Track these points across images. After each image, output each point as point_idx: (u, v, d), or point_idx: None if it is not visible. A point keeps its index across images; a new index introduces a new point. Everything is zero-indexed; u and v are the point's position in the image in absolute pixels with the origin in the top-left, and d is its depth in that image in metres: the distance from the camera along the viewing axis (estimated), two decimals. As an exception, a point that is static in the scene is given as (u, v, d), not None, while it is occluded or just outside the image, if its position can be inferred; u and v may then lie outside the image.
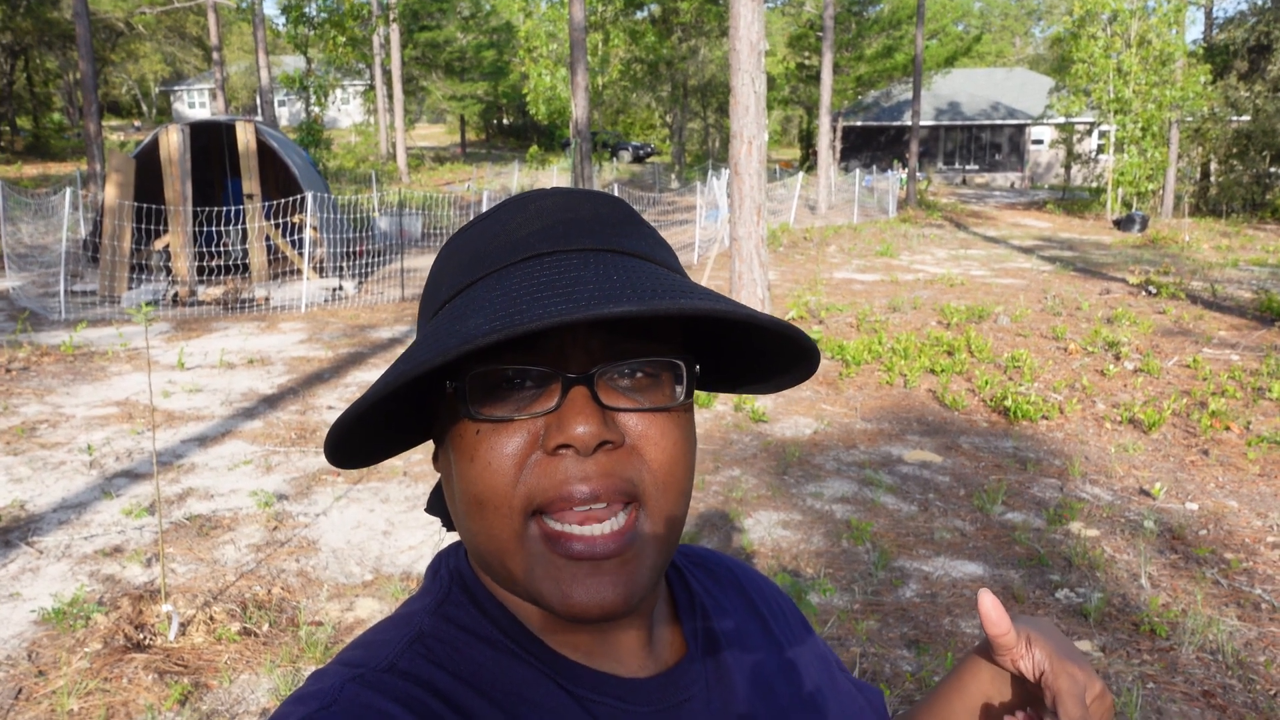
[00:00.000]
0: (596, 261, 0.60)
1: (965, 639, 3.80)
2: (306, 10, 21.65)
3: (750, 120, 8.43)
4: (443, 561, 0.72)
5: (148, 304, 10.72)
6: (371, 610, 4.01)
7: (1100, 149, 31.17)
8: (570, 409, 0.59)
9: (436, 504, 0.77)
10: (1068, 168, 34.24)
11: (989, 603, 0.73)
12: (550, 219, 0.64)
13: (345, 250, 13.57)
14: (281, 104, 45.86)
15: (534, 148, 31.49)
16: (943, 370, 8.11)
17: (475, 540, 0.64)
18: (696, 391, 0.70)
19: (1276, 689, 3.47)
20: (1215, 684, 3.50)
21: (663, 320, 0.64)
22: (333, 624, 3.85)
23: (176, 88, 54.52)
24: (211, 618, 3.83)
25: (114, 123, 50.53)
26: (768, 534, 4.85)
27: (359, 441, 0.66)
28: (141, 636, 3.70)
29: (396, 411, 0.66)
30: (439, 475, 0.71)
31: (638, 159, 44.62)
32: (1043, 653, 0.72)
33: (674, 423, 0.63)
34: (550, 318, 0.52)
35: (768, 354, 0.70)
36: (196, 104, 54.06)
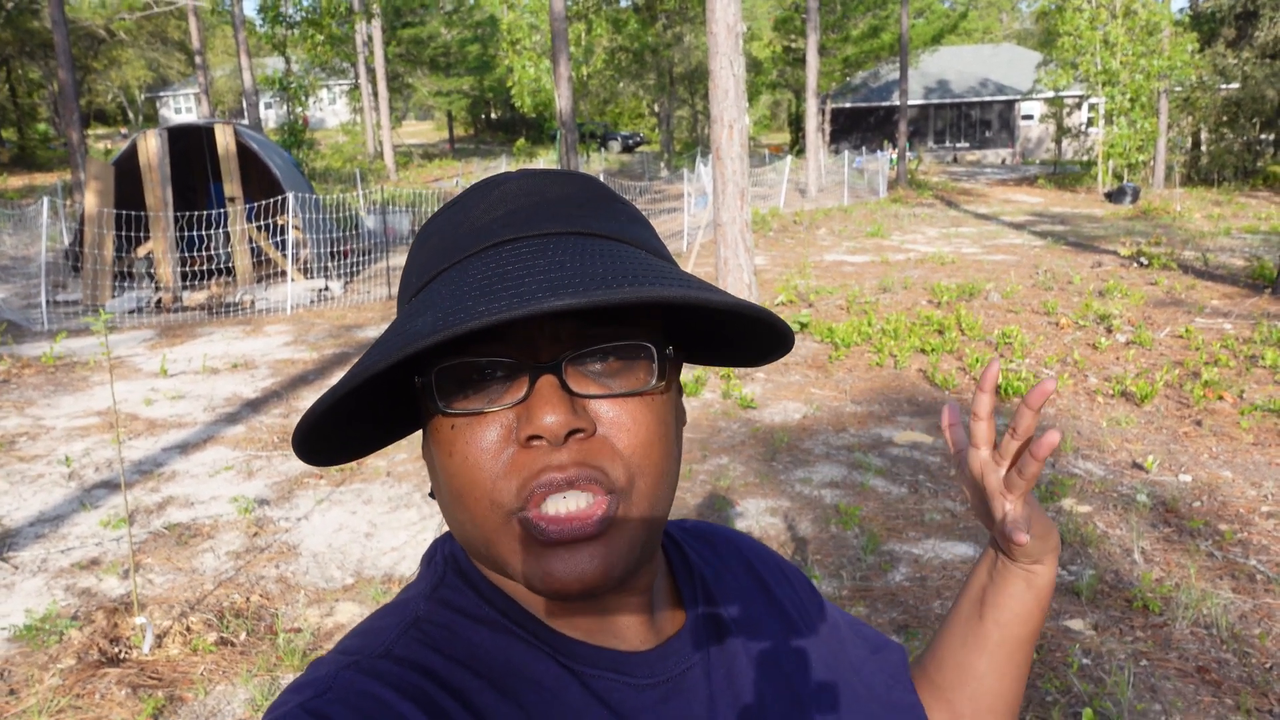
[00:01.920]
0: (556, 247, 0.59)
1: (955, 622, 3.73)
2: (283, 10, 21.45)
3: (730, 104, 8.33)
4: (438, 548, 0.72)
5: (130, 311, 10.66)
6: (352, 615, 3.94)
7: (1090, 122, 31.03)
8: (538, 399, 0.58)
9: None
10: (1058, 142, 34.08)
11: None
12: (514, 204, 0.63)
13: (331, 250, 13.47)
14: (268, 106, 45.57)
15: (521, 140, 31.33)
16: (933, 349, 8.03)
17: (461, 529, 0.64)
18: (683, 377, 0.67)
19: (1272, 662, 3.40)
20: (1210, 659, 3.44)
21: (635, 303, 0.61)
22: (311, 630, 3.78)
23: (162, 93, 54.22)
24: (188, 628, 3.77)
25: (101, 131, 50.27)
26: (755, 522, 4.78)
27: (333, 438, 0.65)
28: (116, 650, 3.63)
29: (369, 406, 0.66)
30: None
31: (627, 149, 44.46)
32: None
33: (648, 407, 0.62)
34: (491, 315, 0.51)
35: (742, 334, 0.70)
36: (183, 109, 53.78)
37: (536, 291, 0.53)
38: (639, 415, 0.61)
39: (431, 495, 0.77)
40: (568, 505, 0.59)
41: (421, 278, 0.64)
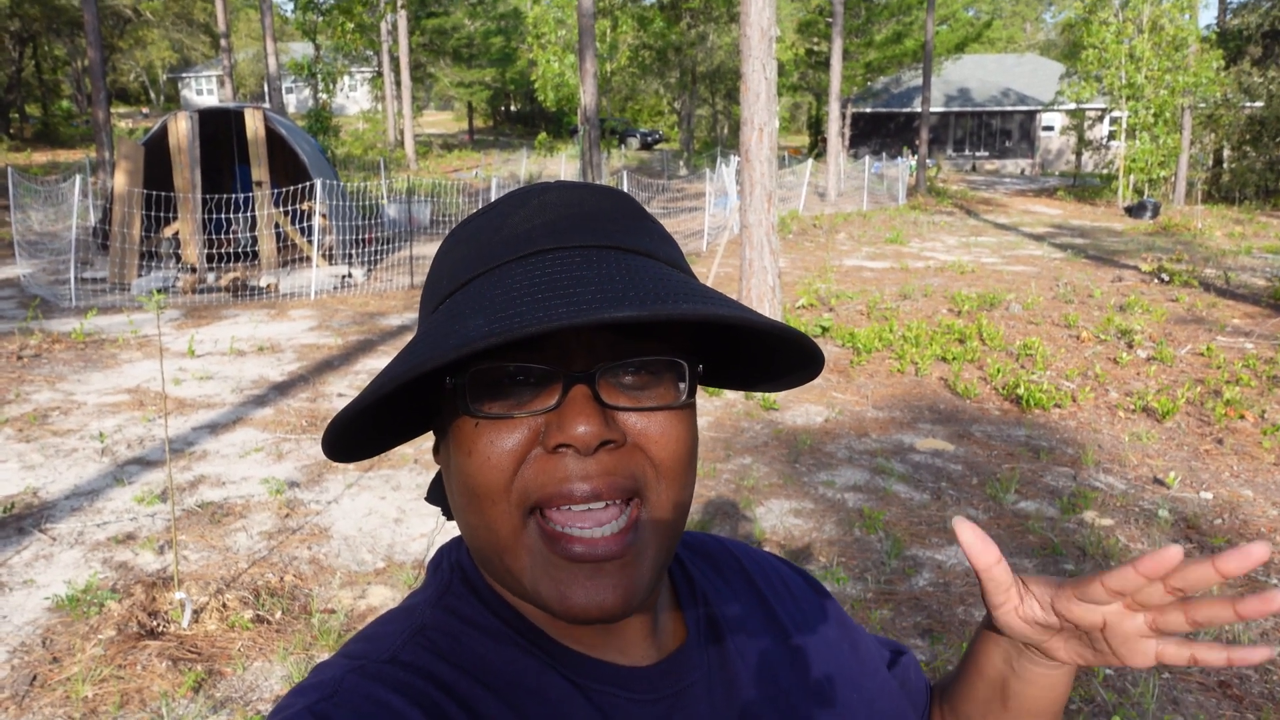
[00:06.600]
0: (599, 260, 0.59)
1: (979, 628, 3.78)
2: (315, -3, 21.59)
3: (761, 107, 8.37)
4: (444, 555, 0.73)
5: (159, 291, 10.75)
6: (384, 598, 4.01)
7: (1112, 135, 30.94)
8: (571, 408, 0.58)
9: (437, 493, 0.77)
10: (1079, 154, 34.03)
11: (969, 533, 0.67)
12: (552, 214, 0.63)
13: (354, 238, 13.56)
14: (289, 91, 45.81)
15: (542, 135, 31.39)
16: (954, 358, 8.07)
17: (475, 536, 0.63)
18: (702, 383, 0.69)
19: (1294, 679, 3.45)
20: (1231, 674, 3.48)
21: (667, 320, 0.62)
22: (345, 611, 3.85)
23: (184, 75, 54.46)
24: (224, 605, 3.84)
25: (122, 110, 50.49)
26: (779, 522, 4.84)
27: (358, 437, 0.65)
28: (155, 624, 3.70)
29: (396, 406, 0.66)
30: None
31: (645, 146, 44.49)
32: (1040, 588, 0.70)
33: (676, 421, 0.62)
34: (550, 321, 0.52)
35: (772, 355, 0.70)
36: (204, 91, 54.02)
37: (592, 302, 0.53)
38: (668, 428, 0.62)
39: (429, 499, 0.78)
40: (595, 533, 0.59)
41: (454, 281, 0.63)
